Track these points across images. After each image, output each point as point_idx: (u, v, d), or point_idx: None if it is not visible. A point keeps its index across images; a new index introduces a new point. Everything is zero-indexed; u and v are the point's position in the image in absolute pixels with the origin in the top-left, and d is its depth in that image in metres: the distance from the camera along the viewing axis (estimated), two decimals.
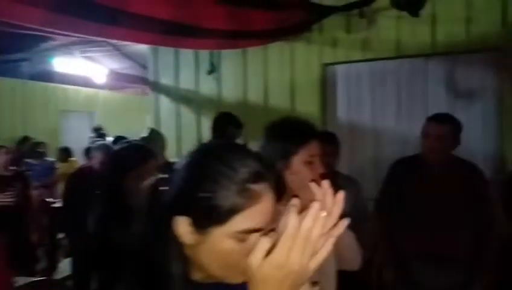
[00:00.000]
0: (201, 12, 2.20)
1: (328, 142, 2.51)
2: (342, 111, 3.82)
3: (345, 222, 0.68)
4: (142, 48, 5.23)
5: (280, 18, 2.84)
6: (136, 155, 1.85)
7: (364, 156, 3.70)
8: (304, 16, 3.17)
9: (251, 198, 0.76)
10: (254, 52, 4.00)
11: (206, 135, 3.23)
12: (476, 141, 3.24)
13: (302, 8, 3.11)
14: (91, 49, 6.96)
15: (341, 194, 0.70)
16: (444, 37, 3.36)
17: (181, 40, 2.52)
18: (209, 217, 0.76)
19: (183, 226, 0.78)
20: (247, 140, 2.87)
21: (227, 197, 0.76)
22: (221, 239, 0.77)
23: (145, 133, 3.59)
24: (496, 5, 3.22)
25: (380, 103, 3.66)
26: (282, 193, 1.39)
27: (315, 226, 0.64)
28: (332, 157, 2.56)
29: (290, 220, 0.64)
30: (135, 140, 5.36)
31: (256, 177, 0.78)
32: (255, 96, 4.04)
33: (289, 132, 1.45)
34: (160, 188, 1.83)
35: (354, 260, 1.54)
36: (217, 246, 0.77)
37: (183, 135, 4.30)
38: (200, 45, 3.11)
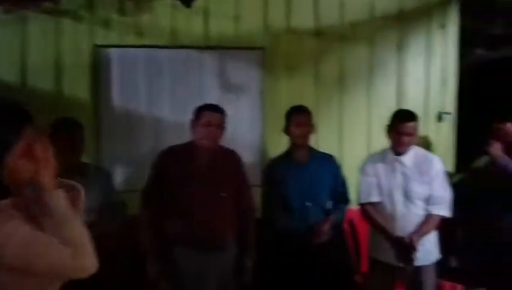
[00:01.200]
0: None
1: (67, 130, 2.29)
2: (118, 97, 3.57)
3: None
4: None
5: None
6: None
7: (142, 144, 3.55)
8: None
9: None
10: (8, 25, 3.35)
11: None
12: (243, 132, 3.51)
13: None
14: None
15: None
16: (216, 32, 3.51)
17: None
18: None
19: None
20: None
21: None
22: None
23: None
24: (259, 8, 3.54)
25: (157, 91, 3.57)
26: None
27: None
28: (74, 148, 2.37)
29: None
30: None
31: None
32: (9, 75, 3.40)
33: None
34: None
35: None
36: None
37: None
38: None
